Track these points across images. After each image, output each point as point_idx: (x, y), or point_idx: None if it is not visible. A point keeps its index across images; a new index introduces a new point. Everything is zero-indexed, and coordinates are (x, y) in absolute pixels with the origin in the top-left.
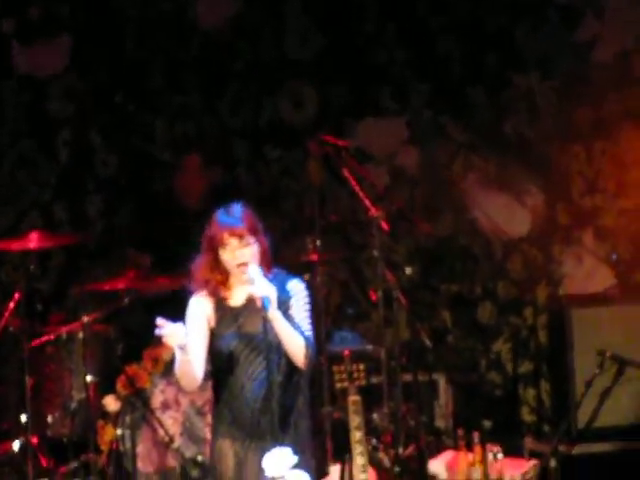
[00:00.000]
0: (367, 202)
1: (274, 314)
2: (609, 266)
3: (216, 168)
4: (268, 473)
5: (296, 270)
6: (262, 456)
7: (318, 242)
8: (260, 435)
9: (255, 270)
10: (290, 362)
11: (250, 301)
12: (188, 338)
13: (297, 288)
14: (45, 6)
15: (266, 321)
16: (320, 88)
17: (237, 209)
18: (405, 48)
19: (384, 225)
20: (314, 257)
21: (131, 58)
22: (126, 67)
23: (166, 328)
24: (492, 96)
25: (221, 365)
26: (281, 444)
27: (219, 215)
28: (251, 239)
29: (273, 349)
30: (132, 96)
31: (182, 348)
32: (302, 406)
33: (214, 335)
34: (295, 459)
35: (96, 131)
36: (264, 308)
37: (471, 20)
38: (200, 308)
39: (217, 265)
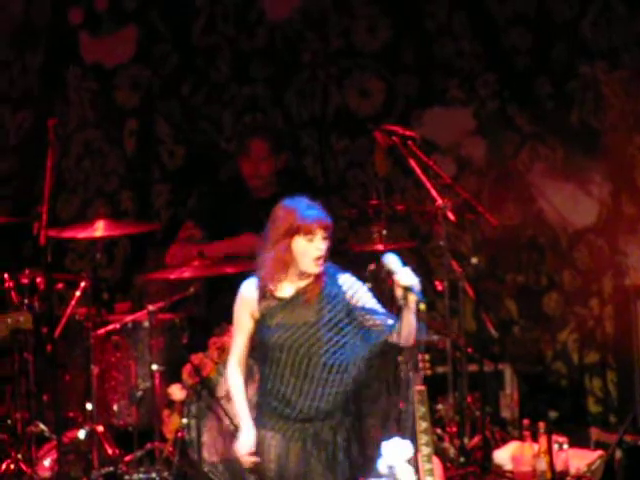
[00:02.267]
0: (433, 192)
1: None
2: None
3: (283, 155)
4: (387, 460)
5: (362, 260)
6: (305, 446)
7: (384, 232)
8: (304, 425)
9: (395, 260)
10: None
11: (298, 294)
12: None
13: (350, 281)
14: None
15: (419, 311)
16: (387, 78)
17: (313, 203)
18: (472, 39)
19: (450, 215)
20: (380, 247)
21: (198, 48)
22: (193, 58)
23: None
24: (558, 86)
25: (266, 355)
26: (327, 434)
27: (302, 206)
28: (327, 245)
29: (325, 342)
30: (199, 87)
31: None
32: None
33: (260, 325)
34: (411, 453)
35: (163, 121)
36: (418, 297)
37: (538, 11)
38: (247, 301)
39: (286, 255)
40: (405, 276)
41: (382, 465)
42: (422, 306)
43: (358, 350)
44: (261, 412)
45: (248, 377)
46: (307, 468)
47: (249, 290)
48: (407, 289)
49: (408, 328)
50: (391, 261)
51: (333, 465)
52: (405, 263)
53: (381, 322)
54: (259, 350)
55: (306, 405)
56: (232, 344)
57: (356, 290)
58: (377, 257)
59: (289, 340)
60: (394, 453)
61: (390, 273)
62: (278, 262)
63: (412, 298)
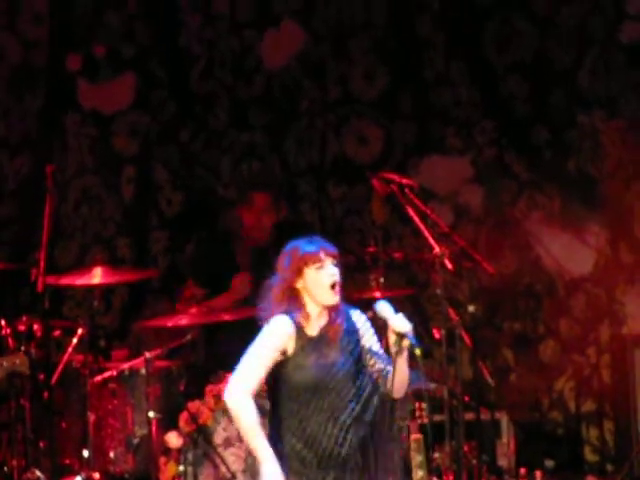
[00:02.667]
0: (431, 240)
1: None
2: None
3: (283, 205)
4: None
5: (360, 307)
6: None
7: (381, 279)
8: (334, 469)
9: (387, 307)
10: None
11: (322, 333)
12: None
13: (362, 319)
14: (111, 44)
15: (413, 357)
16: (385, 125)
17: (314, 238)
18: (470, 87)
19: (448, 263)
20: (377, 294)
21: (196, 95)
22: (191, 105)
23: None
24: (556, 135)
25: (293, 397)
26: (348, 476)
27: (305, 242)
28: (339, 263)
29: (352, 381)
30: (197, 134)
31: None
32: (381, 441)
33: (289, 364)
34: None
35: (161, 168)
36: (412, 344)
37: (536, 60)
38: (283, 335)
39: (295, 293)
40: (399, 322)
41: None
42: (417, 351)
43: (374, 393)
44: (283, 456)
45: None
46: None
47: (286, 325)
48: (401, 335)
49: (400, 377)
50: (383, 308)
51: None
52: (397, 310)
53: (383, 368)
54: (284, 391)
55: (334, 447)
56: (246, 373)
57: (366, 330)
58: (374, 304)
59: (322, 381)
60: None
61: (384, 320)
62: (293, 298)
63: (406, 343)
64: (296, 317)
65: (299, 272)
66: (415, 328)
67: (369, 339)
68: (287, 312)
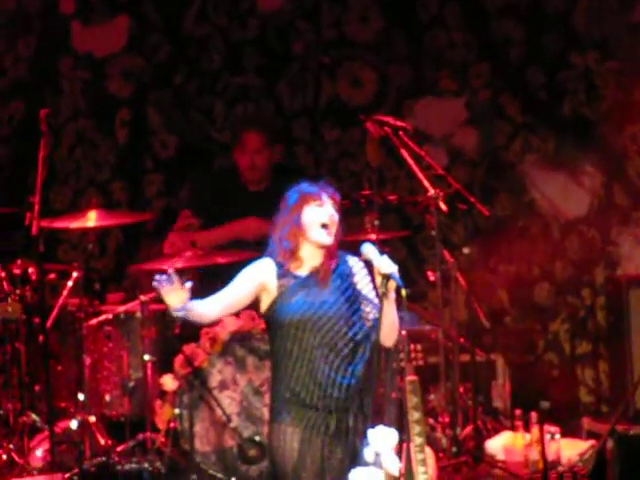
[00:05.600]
0: (425, 182)
1: (392, 293)
2: None
3: (277, 146)
4: (373, 446)
5: (354, 250)
6: (327, 432)
7: (376, 222)
8: (326, 415)
9: (372, 249)
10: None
11: (312, 273)
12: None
13: (358, 265)
14: None
15: (400, 298)
16: (379, 68)
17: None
18: (465, 29)
19: (442, 205)
20: (372, 237)
21: (190, 38)
22: (185, 47)
23: (170, 284)
24: (551, 77)
25: (285, 337)
26: (349, 420)
27: (309, 184)
28: (337, 216)
29: (344, 320)
30: (191, 77)
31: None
32: (371, 383)
33: (277, 304)
34: (397, 441)
35: (155, 111)
36: (398, 286)
37: (529, 1)
38: (260, 273)
39: (292, 232)
40: (384, 263)
41: (369, 453)
42: (403, 292)
43: (367, 339)
44: (279, 404)
45: (240, 368)
46: (328, 454)
47: (265, 262)
48: (387, 276)
49: (388, 320)
50: (369, 250)
51: (352, 452)
52: (382, 252)
53: (373, 316)
54: (276, 331)
55: (330, 387)
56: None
57: (363, 276)
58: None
59: (313, 317)
60: (380, 441)
61: (369, 262)
62: (291, 235)
63: (392, 285)
64: (282, 260)
65: (299, 209)
66: (401, 270)
67: (364, 286)
68: (271, 253)
